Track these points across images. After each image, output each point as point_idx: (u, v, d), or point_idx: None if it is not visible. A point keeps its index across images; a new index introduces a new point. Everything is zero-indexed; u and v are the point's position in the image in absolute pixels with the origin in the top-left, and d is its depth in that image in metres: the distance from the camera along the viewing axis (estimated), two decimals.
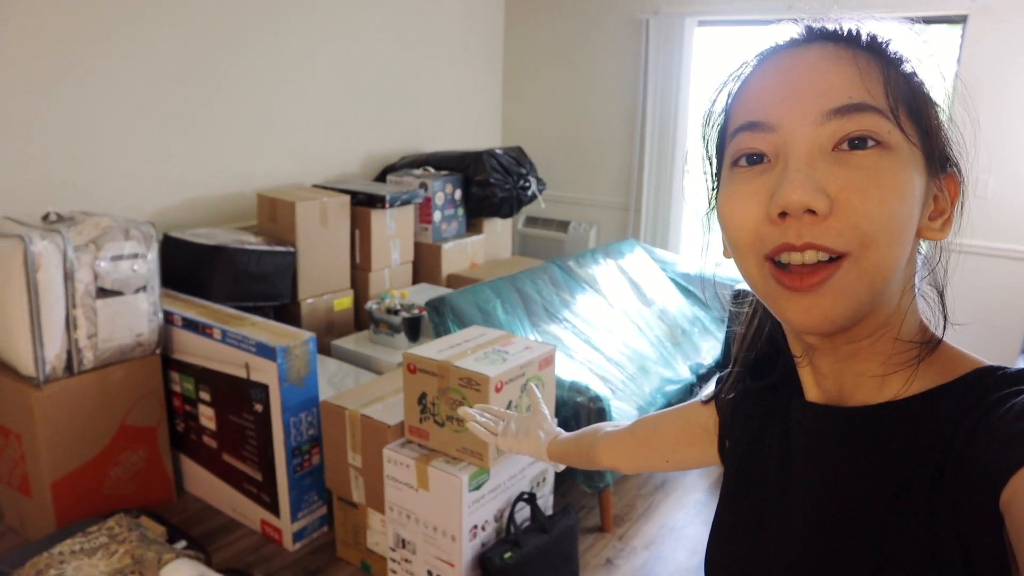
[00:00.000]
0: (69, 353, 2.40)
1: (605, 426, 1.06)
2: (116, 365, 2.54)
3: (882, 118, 0.52)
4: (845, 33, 0.56)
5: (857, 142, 0.52)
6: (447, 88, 4.61)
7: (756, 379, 0.73)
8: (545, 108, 4.89)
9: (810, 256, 0.52)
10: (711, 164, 0.64)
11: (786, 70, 0.56)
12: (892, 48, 0.56)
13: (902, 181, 0.52)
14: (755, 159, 0.56)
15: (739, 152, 0.57)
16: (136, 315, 2.54)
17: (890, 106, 0.53)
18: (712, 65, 4.32)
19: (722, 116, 0.61)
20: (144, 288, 2.56)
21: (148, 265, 2.57)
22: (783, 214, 0.52)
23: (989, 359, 0.57)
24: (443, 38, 4.50)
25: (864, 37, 0.56)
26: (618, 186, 4.67)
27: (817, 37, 0.57)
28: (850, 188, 0.51)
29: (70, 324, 2.38)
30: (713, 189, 0.63)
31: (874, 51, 0.55)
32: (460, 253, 4.01)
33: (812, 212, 0.51)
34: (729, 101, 0.60)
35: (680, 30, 4.18)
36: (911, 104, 0.54)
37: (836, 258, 0.52)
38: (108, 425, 2.55)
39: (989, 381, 0.53)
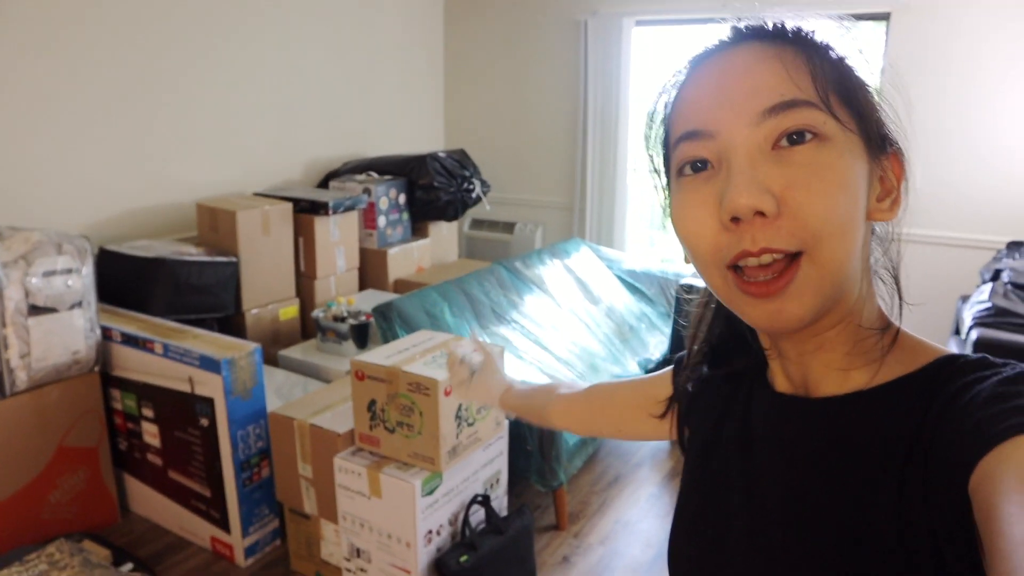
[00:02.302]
0: (0, 374, 2.31)
1: (560, 386, 1.05)
2: (52, 385, 2.45)
3: (815, 110, 0.53)
4: (771, 28, 0.57)
5: (795, 137, 0.53)
6: (388, 92, 4.58)
7: (715, 367, 0.74)
8: (487, 110, 4.90)
9: (766, 258, 0.53)
10: (659, 175, 0.65)
11: (717, 75, 0.56)
12: (818, 37, 0.57)
13: (843, 170, 0.53)
14: (699, 166, 0.56)
15: (683, 161, 0.57)
16: (72, 332, 2.46)
17: (821, 97, 0.53)
18: (651, 63, 4.39)
19: (663, 127, 0.62)
20: (79, 304, 2.48)
21: (83, 280, 2.49)
22: (735, 219, 0.53)
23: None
24: (383, 42, 4.47)
25: (789, 31, 0.57)
26: (562, 186, 4.70)
27: (744, 37, 0.57)
28: (794, 186, 0.52)
29: (0, 344, 2.30)
30: (665, 199, 0.64)
31: (800, 43, 0.56)
32: (406, 258, 3.99)
33: (762, 214, 0.52)
34: (667, 111, 0.61)
35: (618, 30, 4.23)
36: (842, 90, 0.55)
37: (793, 256, 0.53)
38: (45, 447, 2.46)
39: (952, 369, 0.54)
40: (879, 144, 0.57)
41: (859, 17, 3.66)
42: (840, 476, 0.57)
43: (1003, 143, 3.40)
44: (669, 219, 0.61)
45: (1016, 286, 2.82)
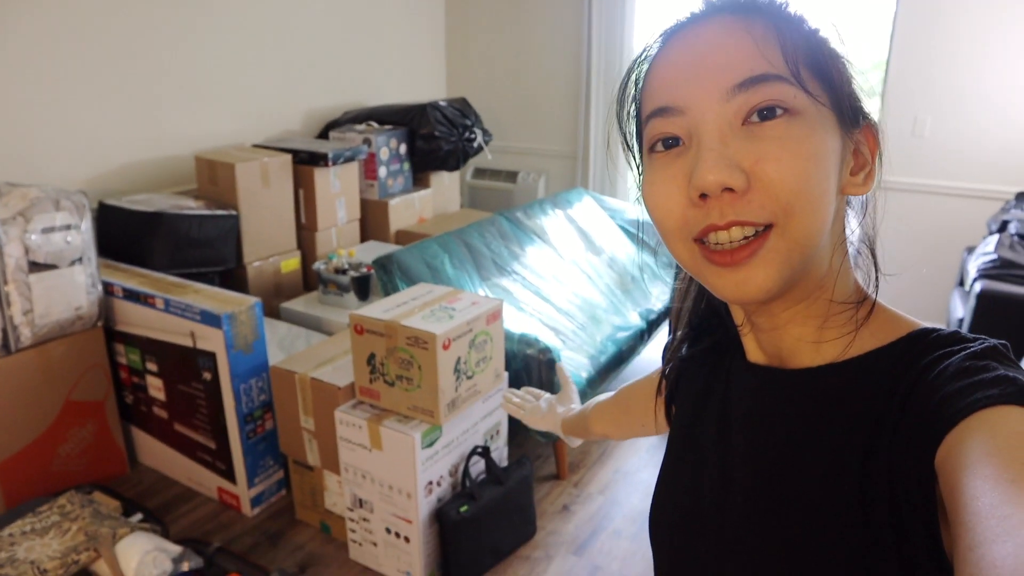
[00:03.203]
0: (4, 331, 2.33)
1: (602, 396, 1.08)
2: (56, 340, 2.47)
3: (785, 84, 0.52)
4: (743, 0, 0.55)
5: (765, 112, 0.52)
6: (388, 40, 4.49)
7: (695, 344, 0.74)
8: (489, 58, 4.81)
9: (736, 233, 0.52)
10: (632, 150, 0.64)
11: (687, 50, 0.55)
12: (790, 9, 0.56)
13: (814, 145, 0.52)
14: (671, 143, 0.56)
15: (654, 138, 0.57)
16: (73, 288, 2.47)
17: (791, 70, 0.52)
18: (656, 8, 4.28)
19: (635, 103, 0.61)
20: (80, 260, 2.49)
21: (82, 236, 2.49)
22: (703, 196, 0.52)
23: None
24: None
25: (763, 1, 0.55)
26: (565, 135, 4.64)
27: (716, 9, 0.56)
28: (764, 160, 0.51)
29: (3, 301, 2.31)
30: (638, 175, 0.63)
31: (772, 15, 0.55)
32: (408, 208, 3.97)
33: (731, 190, 0.51)
34: (639, 86, 0.60)
35: None
36: (814, 62, 0.54)
37: (762, 230, 0.52)
38: (52, 402, 2.50)
39: (924, 343, 0.54)
40: (852, 118, 0.56)
41: None
42: (808, 447, 0.57)
43: (1016, 92, 3.32)
44: (641, 195, 0.60)
45: (1023, 237, 2.79)
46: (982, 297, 2.58)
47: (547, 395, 1.21)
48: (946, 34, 3.39)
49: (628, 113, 0.63)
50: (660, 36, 0.59)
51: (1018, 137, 3.36)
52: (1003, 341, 0.52)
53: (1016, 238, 2.79)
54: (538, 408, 1.19)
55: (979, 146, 3.45)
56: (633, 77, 0.61)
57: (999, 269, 2.68)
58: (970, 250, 3.19)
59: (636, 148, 0.63)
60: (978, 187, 3.49)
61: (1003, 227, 2.94)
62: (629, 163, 0.65)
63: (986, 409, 0.45)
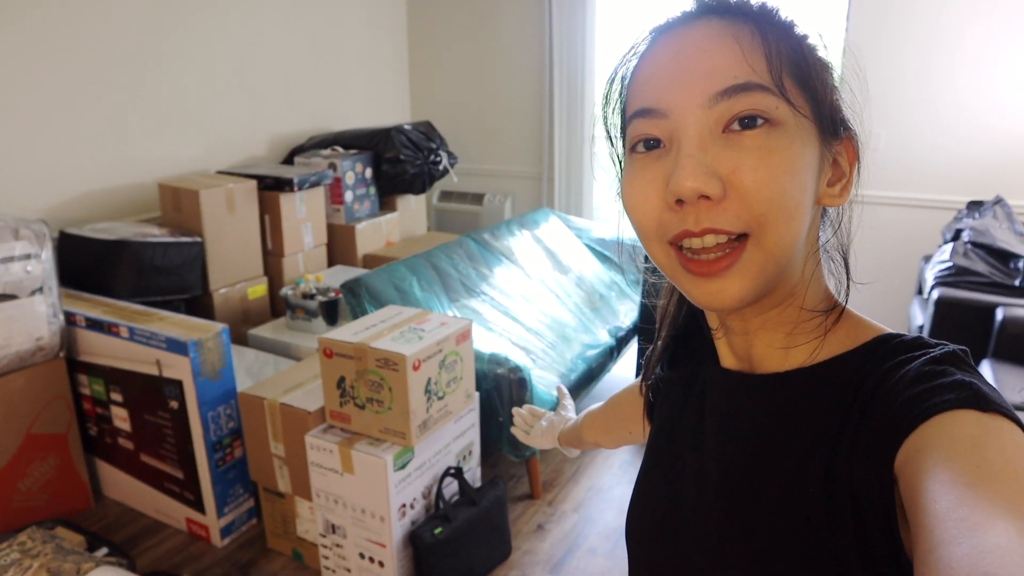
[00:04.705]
0: None
1: (595, 406, 1.09)
2: (16, 372, 2.42)
3: (768, 95, 0.52)
4: (733, 3, 0.56)
5: (747, 121, 0.52)
6: (352, 64, 4.51)
7: (673, 365, 0.75)
8: (452, 81, 4.84)
9: (710, 240, 0.53)
10: (615, 147, 0.64)
11: (674, 53, 0.55)
12: (780, 15, 0.56)
13: (792, 156, 0.53)
14: (652, 144, 0.56)
15: (636, 138, 0.57)
16: (34, 318, 2.43)
17: (775, 81, 0.53)
18: (617, 30, 4.35)
19: (620, 100, 0.61)
20: (40, 290, 2.44)
21: (43, 265, 2.45)
22: (679, 201, 0.53)
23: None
24: (346, 14, 4.39)
25: (752, 6, 0.56)
26: (530, 156, 4.68)
27: (705, 11, 0.56)
28: (741, 169, 0.52)
29: None
30: (619, 171, 0.63)
31: (760, 21, 0.55)
32: (375, 232, 3.96)
33: (707, 197, 0.52)
34: (625, 83, 0.60)
35: None
36: (798, 72, 0.54)
37: (737, 238, 0.53)
38: (12, 436, 2.44)
39: (887, 348, 0.55)
40: (832, 129, 0.57)
41: None
42: (774, 451, 0.58)
43: (963, 103, 3.43)
44: (620, 192, 0.60)
45: (976, 245, 2.87)
46: (940, 304, 2.65)
47: (549, 413, 1.22)
48: (893, 50, 3.50)
49: (613, 108, 0.63)
50: (650, 33, 0.59)
51: (965, 148, 3.47)
52: (963, 347, 0.53)
53: (969, 246, 2.87)
54: (539, 427, 1.20)
55: (930, 158, 3.56)
56: (620, 73, 0.61)
57: (955, 276, 2.76)
58: (927, 259, 3.27)
59: (620, 143, 0.63)
60: (932, 197, 3.59)
61: (956, 235, 3.02)
62: (612, 159, 0.65)
63: (943, 413, 0.46)
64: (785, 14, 0.56)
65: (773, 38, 0.54)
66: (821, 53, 0.57)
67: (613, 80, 0.62)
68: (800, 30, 0.56)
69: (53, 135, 3.04)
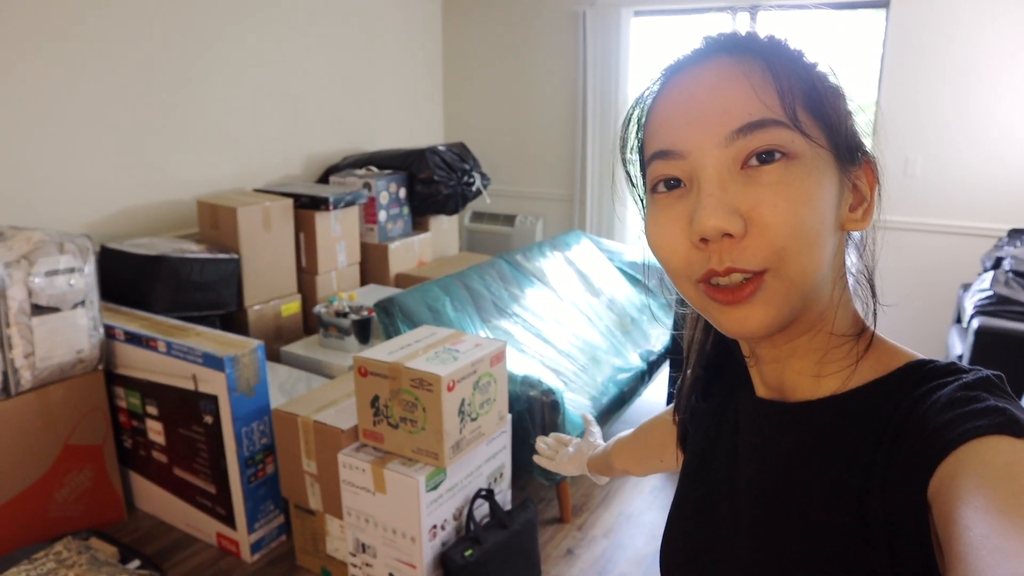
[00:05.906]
0: (5, 374, 2.32)
1: (624, 432, 1.09)
2: (56, 384, 2.46)
3: (783, 129, 0.53)
4: (742, 39, 0.57)
5: (764, 156, 0.53)
6: (387, 86, 4.57)
7: (707, 395, 0.75)
8: (486, 103, 4.89)
9: (736, 277, 0.54)
10: (636, 186, 0.65)
11: (687, 94, 0.56)
12: (789, 47, 0.57)
13: (809, 187, 0.53)
14: (672, 184, 0.57)
15: (656, 179, 0.58)
16: (75, 331, 2.47)
17: (788, 115, 0.53)
18: (650, 54, 4.37)
19: (638, 141, 0.62)
20: (82, 303, 2.49)
21: (85, 279, 2.50)
22: (704, 239, 0.54)
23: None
24: (381, 35, 4.46)
25: (761, 41, 0.56)
26: (562, 178, 4.70)
27: (715, 49, 0.57)
28: (761, 205, 0.52)
29: (5, 344, 2.30)
30: (642, 211, 0.64)
31: (769, 56, 0.55)
32: (407, 252, 3.99)
33: (729, 235, 0.53)
34: (641, 123, 0.61)
35: (616, 21, 4.22)
36: (811, 103, 0.55)
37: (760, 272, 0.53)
38: (51, 446, 2.48)
39: (919, 375, 0.55)
40: (850, 155, 0.57)
41: (858, 5, 3.66)
42: (807, 480, 0.58)
43: (1004, 130, 3.39)
44: (645, 232, 0.61)
45: (1017, 274, 2.82)
46: (980, 333, 2.60)
47: (576, 439, 1.22)
48: (931, 75, 3.48)
49: (631, 150, 0.64)
50: (661, 74, 0.60)
51: (1006, 175, 3.42)
52: (997, 372, 0.53)
53: (1011, 275, 2.82)
54: (566, 453, 1.20)
55: (969, 184, 3.51)
56: (636, 115, 0.62)
57: (996, 305, 2.70)
58: (965, 287, 3.21)
59: (640, 184, 0.64)
60: (970, 224, 3.53)
61: (997, 264, 2.97)
62: (634, 198, 0.66)
63: (976, 439, 0.45)
64: (794, 45, 0.57)
65: (784, 72, 0.55)
66: (832, 80, 0.57)
67: (628, 123, 0.63)
68: (810, 59, 0.57)
69: (96, 152, 3.12)
